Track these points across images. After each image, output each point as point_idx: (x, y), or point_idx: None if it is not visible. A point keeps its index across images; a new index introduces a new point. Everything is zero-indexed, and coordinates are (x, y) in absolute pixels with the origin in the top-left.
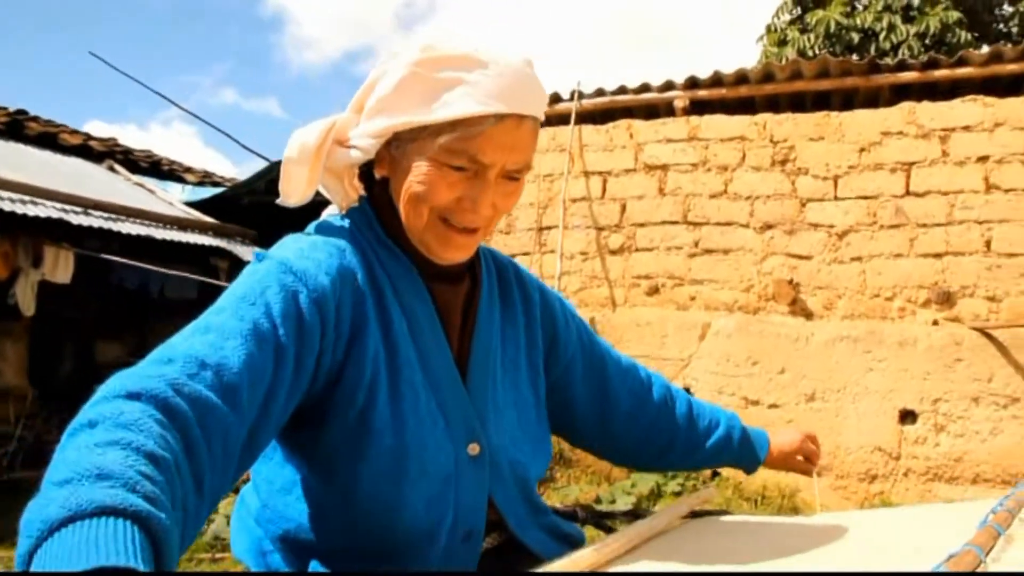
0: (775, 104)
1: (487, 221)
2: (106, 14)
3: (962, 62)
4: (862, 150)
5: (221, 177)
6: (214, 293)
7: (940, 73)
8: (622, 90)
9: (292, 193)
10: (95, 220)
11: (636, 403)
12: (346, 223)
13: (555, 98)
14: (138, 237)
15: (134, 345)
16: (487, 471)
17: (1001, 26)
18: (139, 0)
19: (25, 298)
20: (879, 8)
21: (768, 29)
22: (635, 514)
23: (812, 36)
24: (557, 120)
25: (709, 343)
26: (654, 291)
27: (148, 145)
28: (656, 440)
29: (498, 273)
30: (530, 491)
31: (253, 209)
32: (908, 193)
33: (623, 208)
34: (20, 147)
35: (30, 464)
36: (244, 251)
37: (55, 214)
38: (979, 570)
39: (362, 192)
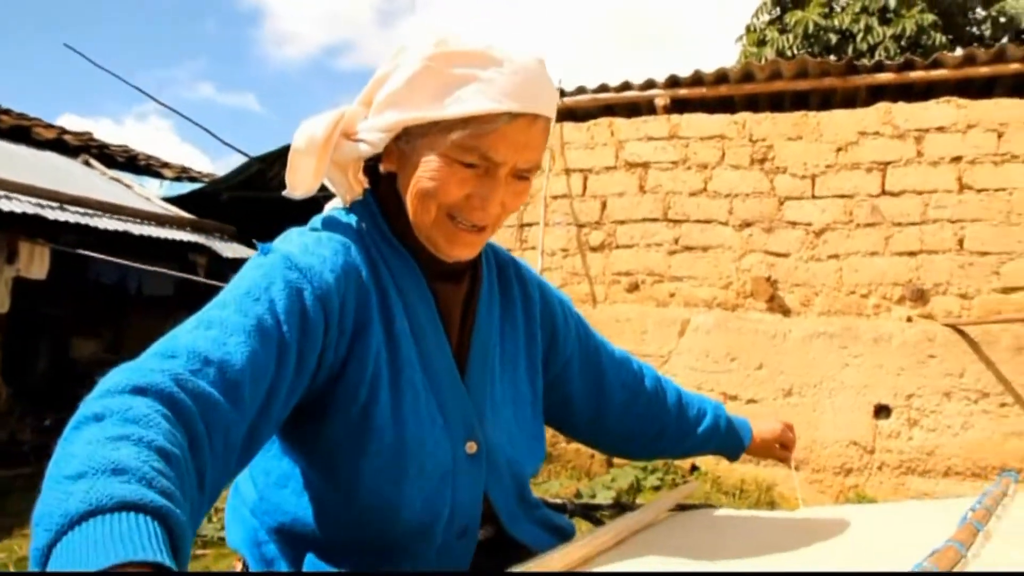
0: (754, 103)
1: (495, 219)
2: (78, 4)
3: (937, 64)
4: (839, 150)
5: (199, 173)
6: (192, 289)
7: (915, 75)
8: (603, 88)
9: (298, 185)
10: (71, 216)
11: (629, 395)
12: (351, 218)
13: None
14: (115, 233)
15: (111, 342)
16: (484, 469)
17: (974, 29)
18: None
19: None
20: (856, 10)
21: (747, 29)
22: (623, 507)
23: (791, 36)
24: None
25: (688, 339)
26: (634, 288)
27: (123, 140)
28: (648, 430)
29: (499, 271)
30: (524, 487)
31: (232, 205)
32: (884, 192)
33: (604, 205)
34: None
35: (3, 463)
36: (223, 247)
37: (31, 209)
38: (960, 566)
39: (366, 185)
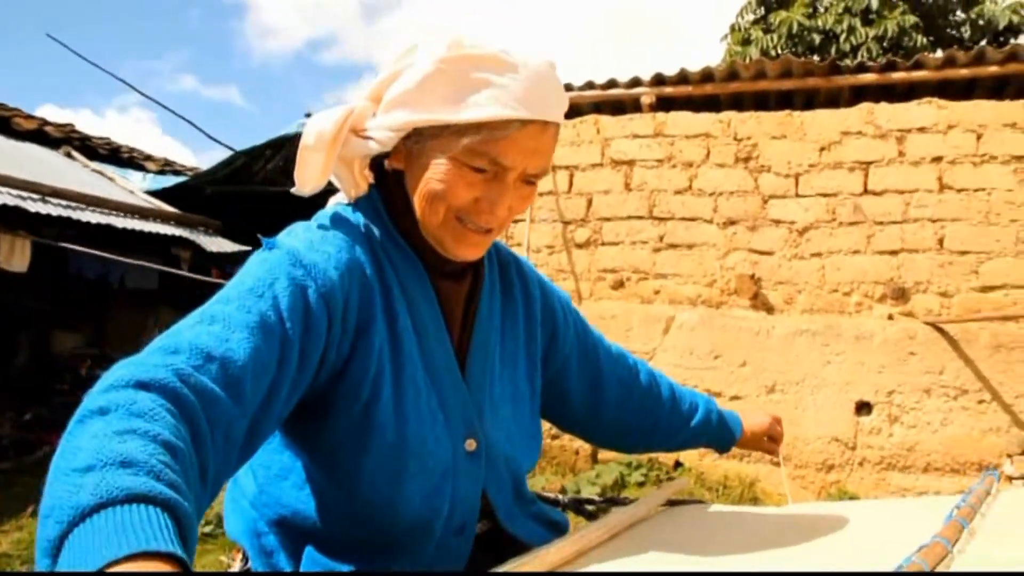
0: (739, 102)
1: (502, 222)
2: None
3: (918, 65)
4: (822, 149)
5: (182, 166)
6: (176, 283)
7: (897, 75)
8: (589, 85)
9: (307, 181)
10: (53, 208)
11: (625, 391)
12: (356, 215)
13: None
14: (98, 226)
15: (92, 336)
16: (483, 466)
17: (954, 31)
18: None
19: None
20: (840, 11)
21: (732, 29)
22: (615, 501)
23: (775, 36)
24: None
25: (673, 336)
26: (619, 285)
27: (104, 132)
28: (642, 424)
29: (500, 269)
30: (521, 484)
31: (217, 199)
32: (866, 192)
33: (589, 202)
34: None
35: None
36: (207, 241)
37: (11, 201)
38: (947, 562)
39: (371, 181)
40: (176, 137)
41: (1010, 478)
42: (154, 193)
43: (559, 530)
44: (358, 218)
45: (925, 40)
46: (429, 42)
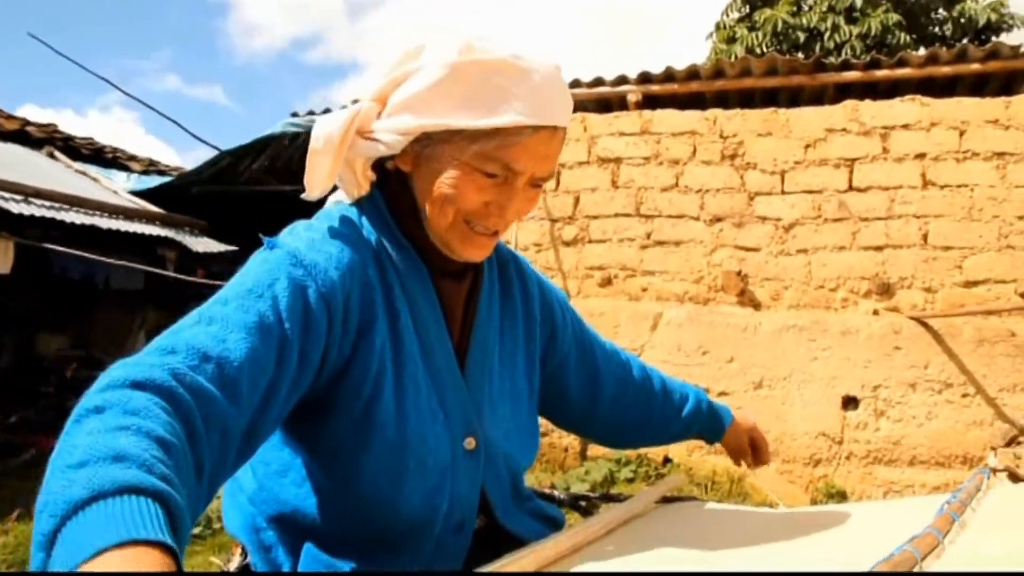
0: (724, 100)
1: (508, 224)
2: None
3: (902, 63)
4: (808, 146)
5: (166, 166)
6: (162, 284)
7: (881, 73)
8: (576, 83)
9: (316, 185)
10: (36, 209)
11: (620, 386)
12: (358, 215)
13: None
14: (82, 226)
15: (78, 337)
16: (482, 464)
17: (936, 29)
18: None
19: None
20: (824, 9)
21: (717, 26)
22: (611, 497)
23: (760, 34)
24: None
25: (661, 333)
26: (607, 282)
27: (87, 132)
28: (637, 418)
29: (499, 268)
30: (518, 481)
31: (202, 199)
32: (851, 188)
33: (576, 200)
34: None
35: None
36: (193, 241)
37: None
38: (938, 551)
39: (373, 179)
40: (160, 137)
41: (994, 470)
42: (139, 193)
43: (555, 525)
44: (360, 218)
45: (908, 38)
46: (437, 44)
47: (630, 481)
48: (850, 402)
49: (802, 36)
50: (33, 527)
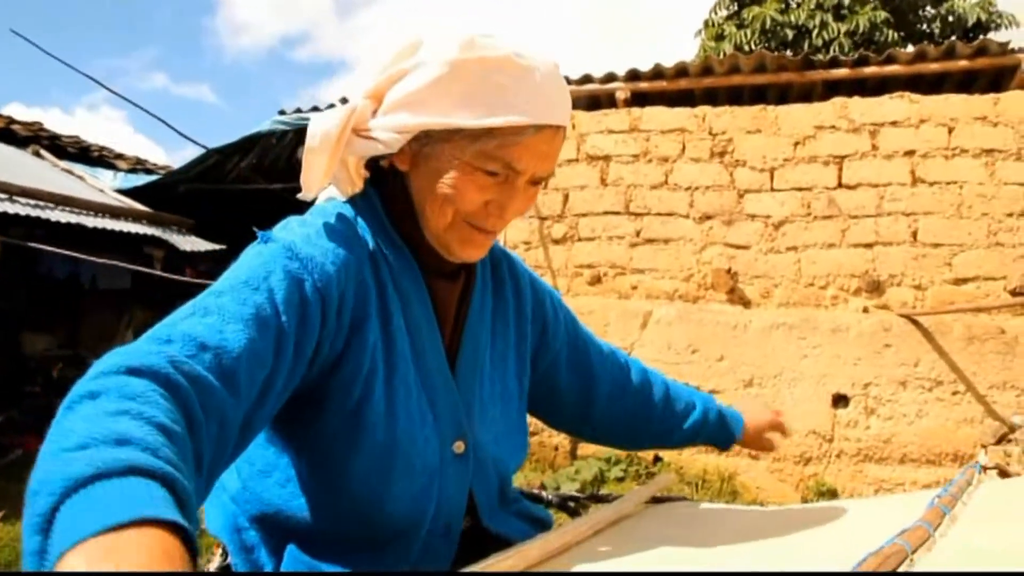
0: (713, 97)
1: (506, 223)
2: None
3: (890, 60)
4: (797, 143)
5: (154, 165)
6: (149, 283)
7: (870, 70)
8: (564, 80)
9: (313, 184)
10: (21, 207)
11: (616, 389)
12: (352, 212)
13: None
14: (68, 225)
15: (65, 337)
16: (471, 468)
17: (924, 26)
18: None
19: None
20: (812, 6)
21: (706, 24)
22: (599, 498)
23: (748, 32)
24: None
25: (651, 331)
26: (596, 280)
27: (74, 131)
28: (635, 423)
29: (492, 267)
30: (506, 484)
31: (189, 197)
32: (840, 185)
33: (566, 198)
34: None
35: None
36: (180, 240)
37: None
38: (928, 544)
39: (366, 175)
40: (148, 135)
41: (984, 468)
42: (125, 192)
43: (543, 527)
44: (354, 216)
45: (896, 36)
46: (437, 40)
47: (620, 480)
48: (840, 400)
49: (790, 33)
50: (25, 514)
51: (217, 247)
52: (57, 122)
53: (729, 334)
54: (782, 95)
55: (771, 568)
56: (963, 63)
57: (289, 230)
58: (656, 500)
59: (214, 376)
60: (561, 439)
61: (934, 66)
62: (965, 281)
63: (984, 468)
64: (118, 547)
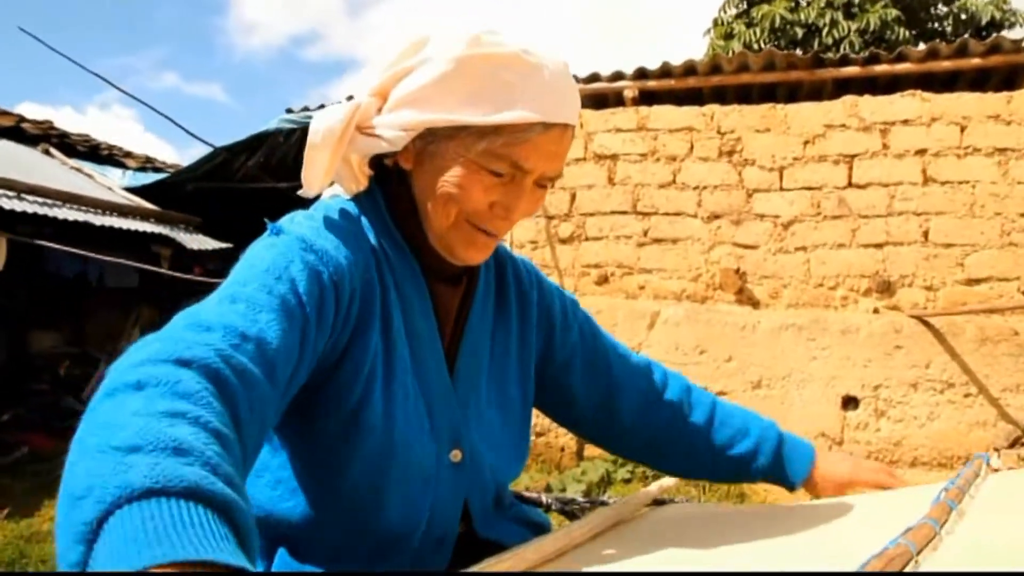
0: (722, 96)
1: (512, 225)
2: None
3: (901, 58)
4: (806, 142)
5: (163, 163)
6: (156, 282)
7: (880, 68)
8: None
9: (314, 182)
10: (29, 205)
11: (645, 403)
12: (357, 211)
13: None
14: (75, 223)
15: (72, 335)
16: (467, 476)
17: (936, 24)
18: None
19: None
20: (822, 4)
21: (715, 23)
22: (600, 503)
23: (757, 30)
24: None
25: (658, 332)
26: (603, 280)
27: (86, 129)
28: (670, 444)
29: (497, 270)
30: (503, 493)
31: (197, 195)
32: (850, 185)
33: (573, 197)
34: None
35: None
36: (188, 239)
37: None
38: (935, 542)
39: (370, 173)
40: (158, 134)
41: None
42: (133, 190)
43: (540, 531)
44: (359, 214)
45: (907, 33)
46: (443, 37)
47: (627, 481)
48: (850, 402)
49: (800, 32)
50: (65, 515)
51: (224, 245)
52: (69, 121)
53: (737, 335)
54: (791, 94)
55: (776, 569)
56: (976, 61)
57: (297, 223)
58: (658, 503)
59: (259, 368)
60: (567, 440)
61: (946, 64)
62: (978, 282)
63: (996, 471)
64: None
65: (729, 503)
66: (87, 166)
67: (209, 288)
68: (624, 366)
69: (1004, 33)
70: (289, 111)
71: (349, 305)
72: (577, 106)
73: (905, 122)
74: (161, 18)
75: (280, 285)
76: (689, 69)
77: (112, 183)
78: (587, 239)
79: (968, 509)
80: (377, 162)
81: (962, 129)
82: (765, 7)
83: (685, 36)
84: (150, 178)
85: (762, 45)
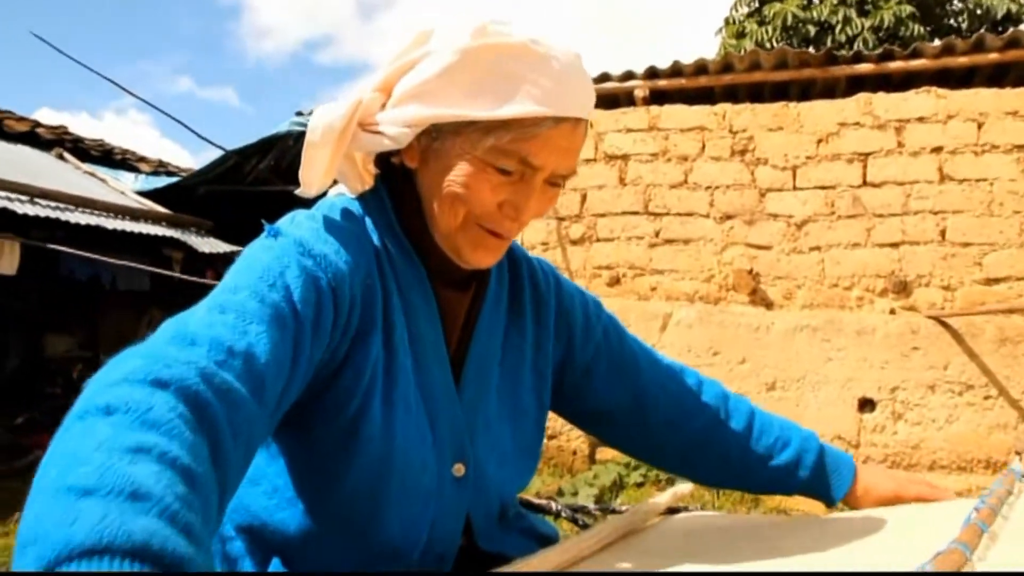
0: (734, 95)
1: (523, 226)
2: None
3: (916, 54)
4: (820, 141)
5: (176, 167)
6: (168, 285)
7: (895, 65)
8: None
9: (313, 181)
10: (42, 209)
11: (678, 410)
12: (361, 211)
13: None
14: (88, 227)
15: (85, 338)
16: (469, 492)
17: (951, 20)
18: None
19: None
20: (835, 1)
21: (727, 22)
22: (611, 510)
23: (770, 29)
24: None
25: (671, 333)
26: (615, 281)
27: (103, 135)
28: (705, 453)
29: (511, 272)
30: (508, 507)
31: (209, 199)
32: (865, 183)
33: (584, 198)
34: None
35: None
36: (199, 242)
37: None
38: (966, 568)
39: (375, 172)
40: (174, 139)
41: None
42: (145, 194)
43: (546, 543)
44: (363, 214)
45: (922, 30)
46: (448, 28)
47: (639, 485)
48: (866, 404)
49: (813, 30)
50: (16, 563)
51: (235, 249)
52: (85, 126)
53: (751, 336)
54: (804, 92)
55: None
56: (993, 56)
57: (297, 224)
58: (671, 511)
59: (245, 386)
60: (580, 443)
61: (962, 60)
62: (996, 281)
63: None
64: None
65: (743, 509)
66: (100, 170)
67: None
68: (654, 370)
69: (1022, 27)
70: (299, 114)
71: (349, 312)
72: (591, 99)
73: (921, 119)
74: (176, 25)
75: (273, 293)
76: (700, 68)
77: (125, 187)
78: (598, 240)
79: (1000, 532)
80: (383, 160)
81: (979, 126)
82: (777, 5)
83: (685, 36)
84: (162, 182)
85: (774, 44)
